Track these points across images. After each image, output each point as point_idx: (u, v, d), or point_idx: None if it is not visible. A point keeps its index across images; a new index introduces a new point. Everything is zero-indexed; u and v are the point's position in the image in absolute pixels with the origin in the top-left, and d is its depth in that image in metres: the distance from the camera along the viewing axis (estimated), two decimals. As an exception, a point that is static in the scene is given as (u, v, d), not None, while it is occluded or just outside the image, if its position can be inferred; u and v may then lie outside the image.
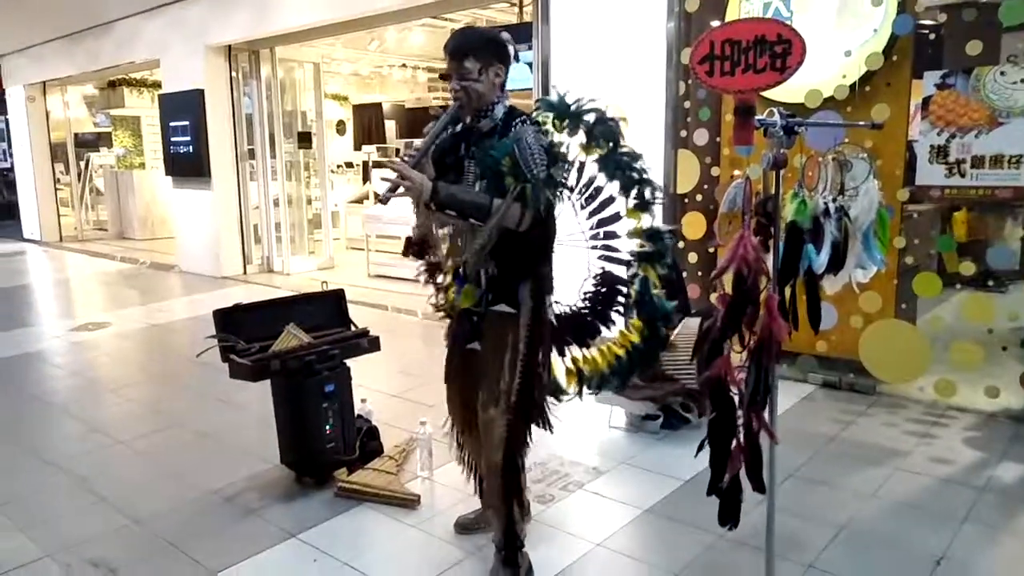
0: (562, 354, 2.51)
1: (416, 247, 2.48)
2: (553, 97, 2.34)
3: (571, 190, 2.38)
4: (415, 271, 2.59)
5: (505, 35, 2.31)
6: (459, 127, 2.38)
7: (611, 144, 2.31)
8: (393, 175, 2.15)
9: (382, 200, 2.21)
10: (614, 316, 2.51)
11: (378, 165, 10.89)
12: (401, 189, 2.17)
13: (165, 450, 3.60)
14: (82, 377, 4.91)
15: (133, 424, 3.96)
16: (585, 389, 2.53)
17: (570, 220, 2.44)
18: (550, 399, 2.49)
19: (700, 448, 2.10)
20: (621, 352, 2.48)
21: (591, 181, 2.41)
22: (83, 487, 3.21)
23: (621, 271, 2.48)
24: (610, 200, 2.40)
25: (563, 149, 2.28)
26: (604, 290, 2.48)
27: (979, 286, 4.61)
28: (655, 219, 2.43)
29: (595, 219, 2.42)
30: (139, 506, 3.02)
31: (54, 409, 4.27)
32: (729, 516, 2.09)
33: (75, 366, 5.15)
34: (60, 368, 5.09)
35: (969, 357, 3.64)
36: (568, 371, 2.53)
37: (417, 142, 2.42)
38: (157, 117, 9.61)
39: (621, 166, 2.33)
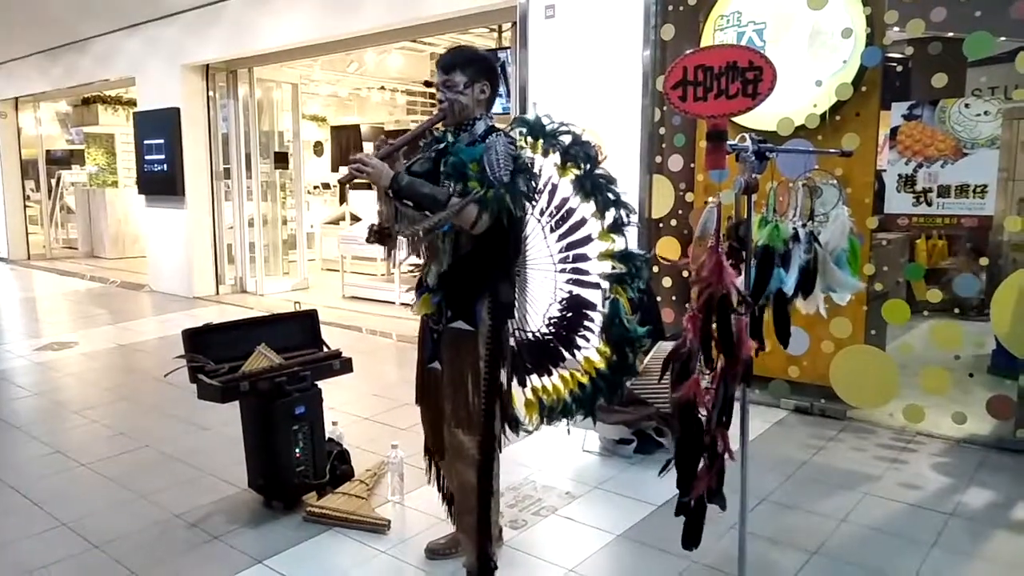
0: (522, 384, 2.43)
1: (379, 234, 2.37)
2: (530, 116, 2.35)
3: (537, 208, 2.34)
4: (367, 238, 2.41)
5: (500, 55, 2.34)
6: (442, 144, 2.39)
7: (588, 165, 2.28)
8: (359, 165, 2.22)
9: (340, 181, 2.25)
10: (580, 341, 2.41)
11: (355, 187, 10.87)
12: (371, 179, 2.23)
13: (129, 473, 3.51)
14: (45, 398, 4.79)
15: (97, 446, 3.86)
16: (545, 421, 2.44)
17: (538, 244, 2.40)
18: (508, 431, 2.44)
19: (665, 468, 2.10)
20: (585, 380, 2.38)
21: (562, 203, 2.37)
22: (42, 511, 3.12)
23: (590, 295, 2.40)
24: (581, 223, 2.35)
25: (532, 164, 2.28)
26: (570, 315, 2.39)
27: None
28: (628, 241, 2.37)
29: (564, 242, 2.36)
30: (99, 531, 2.93)
31: (15, 431, 4.15)
32: (692, 539, 2.09)
33: (38, 387, 5.02)
34: (23, 388, 4.96)
35: (937, 383, 3.69)
36: (528, 402, 2.46)
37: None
38: (131, 135, 9.53)
39: (598, 187, 2.29)
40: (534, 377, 2.44)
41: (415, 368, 2.61)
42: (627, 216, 2.31)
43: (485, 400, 2.33)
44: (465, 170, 2.22)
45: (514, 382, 2.44)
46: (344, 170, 2.45)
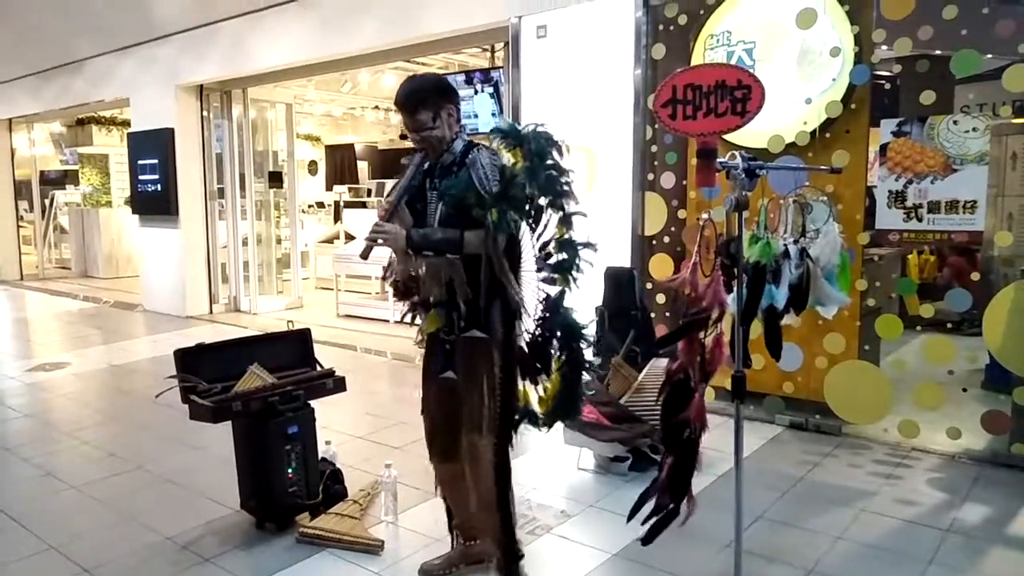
0: (535, 382, 2.47)
1: (403, 289, 2.49)
2: (503, 124, 2.39)
3: (528, 214, 2.36)
4: (400, 314, 2.60)
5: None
6: (425, 166, 2.47)
7: (538, 156, 2.28)
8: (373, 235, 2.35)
9: (362, 255, 2.38)
10: (555, 342, 2.44)
11: (349, 205, 10.90)
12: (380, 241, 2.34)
13: (120, 495, 3.48)
14: (37, 419, 4.75)
15: (88, 468, 3.83)
16: (552, 419, 2.50)
17: (527, 246, 2.43)
18: (528, 425, 2.48)
19: (635, 514, 2.13)
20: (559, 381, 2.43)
21: (537, 205, 2.37)
22: (32, 533, 3.08)
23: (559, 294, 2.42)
24: (548, 220, 2.37)
25: (515, 171, 2.30)
26: (548, 315, 2.41)
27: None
28: (574, 231, 2.36)
29: (540, 242, 2.39)
30: (90, 554, 2.90)
31: (5, 453, 4.11)
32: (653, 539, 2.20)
33: (30, 408, 4.99)
34: (14, 410, 4.92)
35: (931, 398, 3.69)
36: (540, 399, 2.50)
37: (389, 184, 2.48)
38: (125, 155, 9.53)
39: (540, 176, 2.27)
40: (543, 376, 2.47)
41: (413, 385, 2.62)
42: (572, 205, 2.32)
43: (501, 402, 2.36)
44: (466, 202, 2.27)
45: (527, 381, 2.47)
46: (350, 224, 2.55)
